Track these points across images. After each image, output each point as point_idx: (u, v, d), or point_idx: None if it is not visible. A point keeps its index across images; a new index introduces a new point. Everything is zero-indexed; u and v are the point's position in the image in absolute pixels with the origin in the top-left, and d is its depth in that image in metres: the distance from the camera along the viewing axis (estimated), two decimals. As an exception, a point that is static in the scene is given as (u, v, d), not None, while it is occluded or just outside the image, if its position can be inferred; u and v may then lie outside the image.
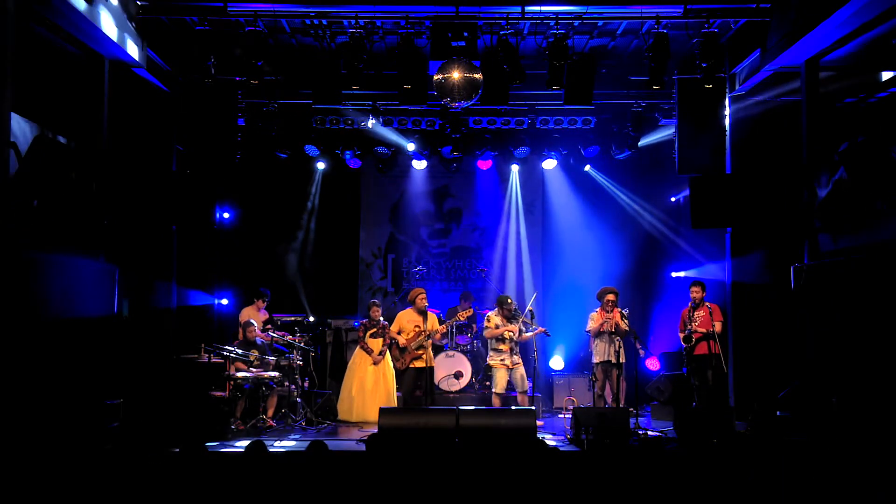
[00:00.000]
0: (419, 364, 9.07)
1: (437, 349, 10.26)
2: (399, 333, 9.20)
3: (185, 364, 8.90)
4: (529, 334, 9.10)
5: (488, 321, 9.15)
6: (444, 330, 9.64)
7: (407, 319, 9.24)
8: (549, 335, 9.38)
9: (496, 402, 8.96)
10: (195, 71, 8.27)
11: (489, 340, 9.16)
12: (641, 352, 9.47)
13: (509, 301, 9.16)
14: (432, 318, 9.26)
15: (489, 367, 9.31)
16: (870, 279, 6.97)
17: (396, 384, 9.42)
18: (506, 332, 8.96)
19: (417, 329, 9.10)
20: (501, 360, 8.97)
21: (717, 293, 9.48)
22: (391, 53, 9.20)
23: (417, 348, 9.04)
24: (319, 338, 10.74)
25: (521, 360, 9.00)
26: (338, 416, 9.38)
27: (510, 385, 9.05)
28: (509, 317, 9.07)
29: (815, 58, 8.06)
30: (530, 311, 9.12)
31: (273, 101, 10.13)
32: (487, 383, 10.84)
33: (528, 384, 8.99)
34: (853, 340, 7.58)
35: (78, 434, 7.09)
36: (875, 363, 7.16)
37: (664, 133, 10.28)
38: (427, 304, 9.24)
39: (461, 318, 9.73)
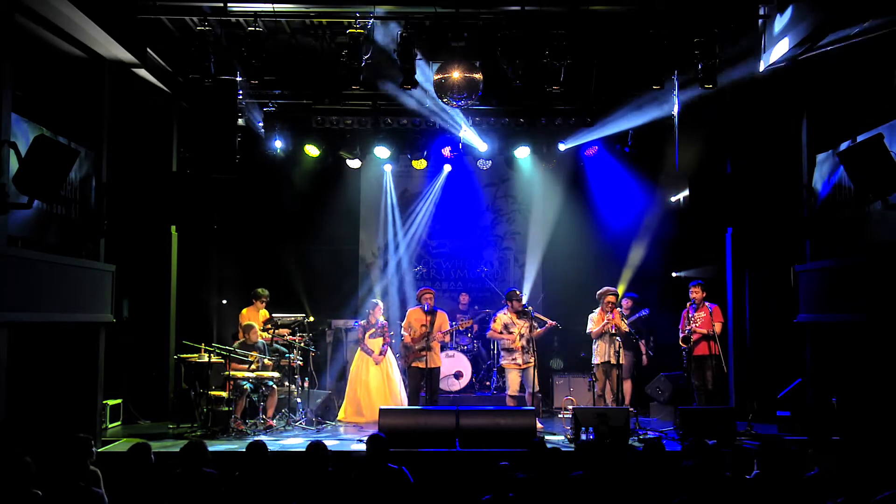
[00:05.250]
0: (421, 365, 9.05)
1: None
2: (409, 330, 9.20)
3: (185, 364, 8.90)
4: (541, 330, 9.10)
5: (496, 322, 9.14)
6: (445, 339, 9.60)
7: (415, 318, 9.24)
8: (560, 327, 9.34)
9: (510, 404, 8.92)
10: (195, 71, 8.27)
11: (499, 341, 9.13)
12: (644, 356, 9.56)
13: (518, 294, 9.17)
14: (441, 318, 9.23)
15: (502, 369, 9.29)
16: (869, 280, 6.96)
17: (404, 381, 9.45)
18: (506, 337, 8.95)
19: (424, 329, 9.09)
20: (513, 359, 8.96)
21: (717, 293, 9.48)
22: (391, 53, 9.20)
23: (421, 349, 9.03)
24: (319, 338, 10.74)
25: (533, 360, 8.98)
26: (338, 417, 9.38)
27: (522, 386, 9.03)
28: (520, 312, 9.05)
29: (815, 56, 8.06)
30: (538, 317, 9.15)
31: (273, 101, 10.14)
32: (488, 383, 10.85)
33: (537, 385, 8.98)
34: (853, 341, 7.59)
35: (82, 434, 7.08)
36: (875, 364, 7.17)
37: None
38: (433, 303, 9.22)
39: (461, 328, 9.73)
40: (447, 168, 11.91)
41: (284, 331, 9.69)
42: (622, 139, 10.67)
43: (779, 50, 7.91)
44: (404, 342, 9.20)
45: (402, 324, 9.38)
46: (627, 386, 9.23)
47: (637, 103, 9.88)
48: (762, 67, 8.33)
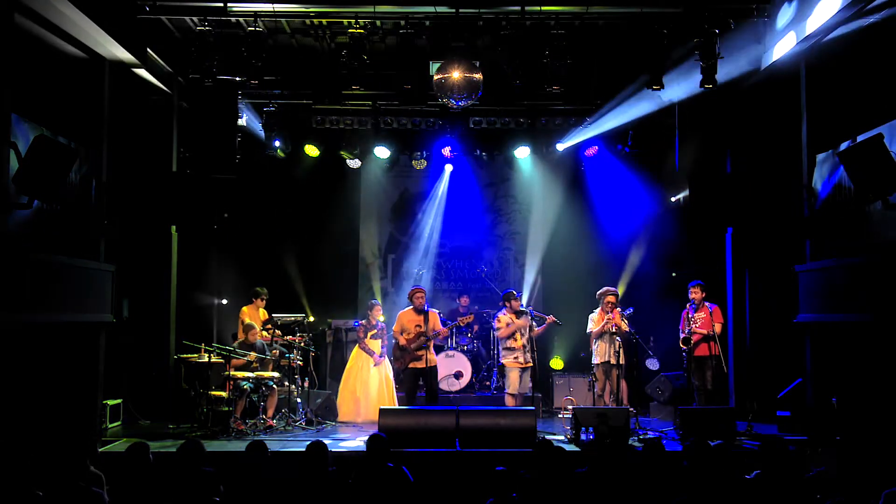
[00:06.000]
0: (419, 365, 9.00)
1: (438, 349, 10.25)
2: (401, 333, 9.14)
3: (185, 364, 8.91)
4: (539, 329, 9.11)
5: (499, 322, 9.14)
6: (447, 333, 9.58)
7: (408, 319, 9.15)
8: (560, 324, 9.33)
9: (510, 403, 8.91)
10: (195, 71, 8.27)
11: (501, 340, 9.12)
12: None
13: (515, 294, 9.19)
14: (434, 317, 9.18)
15: (503, 368, 9.29)
16: (870, 279, 6.96)
17: (396, 384, 9.43)
18: (517, 332, 8.96)
19: (419, 329, 9.05)
20: (515, 357, 8.95)
21: (717, 293, 9.48)
22: (391, 53, 9.21)
23: (418, 349, 9.00)
24: (319, 338, 10.74)
25: (532, 362, 8.99)
26: (338, 417, 9.38)
27: (522, 385, 9.03)
28: (519, 312, 9.07)
29: (815, 56, 8.06)
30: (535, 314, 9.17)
31: (273, 101, 10.14)
32: (488, 383, 10.84)
33: (530, 387, 9.01)
34: (853, 341, 7.58)
35: (77, 434, 7.09)
36: (875, 364, 7.16)
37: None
38: (424, 302, 9.17)
39: (461, 324, 9.71)
40: (448, 168, 11.92)
41: (279, 332, 9.68)
42: (622, 139, 10.67)
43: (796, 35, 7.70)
44: (399, 344, 9.12)
45: (394, 327, 9.25)
46: (623, 386, 9.22)
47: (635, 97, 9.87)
48: (773, 58, 8.22)
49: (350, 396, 9.40)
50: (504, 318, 9.12)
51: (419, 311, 9.08)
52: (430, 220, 12.33)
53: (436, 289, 12.22)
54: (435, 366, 9.19)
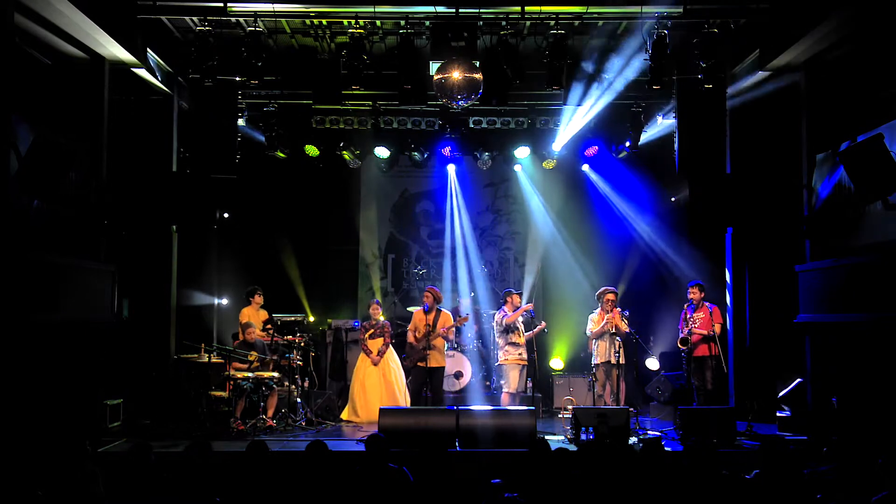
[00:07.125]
0: (425, 364, 9.01)
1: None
2: (413, 331, 9.20)
3: (186, 364, 8.90)
4: (530, 333, 9.14)
5: (500, 313, 9.18)
6: (450, 335, 9.57)
7: (418, 318, 9.24)
8: (546, 332, 9.44)
9: (507, 401, 8.91)
10: (195, 71, 8.27)
11: (503, 336, 9.10)
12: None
13: (513, 291, 9.27)
14: (444, 317, 9.22)
15: (501, 367, 9.29)
16: (869, 280, 6.96)
17: (406, 382, 9.43)
18: (520, 327, 8.97)
19: (427, 329, 9.08)
20: (519, 354, 8.98)
21: (717, 293, 9.47)
22: (391, 53, 9.21)
23: (424, 348, 9.01)
24: (319, 338, 10.74)
25: (528, 360, 9.06)
26: (338, 417, 9.38)
27: (521, 384, 9.03)
28: (518, 310, 9.11)
29: (815, 57, 8.06)
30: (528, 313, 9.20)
31: (273, 101, 10.14)
32: (488, 383, 10.84)
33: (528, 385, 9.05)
34: (853, 341, 7.58)
35: (78, 434, 7.09)
36: (875, 365, 7.17)
37: (662, 130, 10.30)
38: (432, 302, 9.17)
39: (458, 325, 9.70)
40: (450, 168, 11.91)
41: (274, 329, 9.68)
42: (622, 138, 10.65)
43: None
44: (409, 342, 9.19)
45: (409, 325, 9.35)
46: (622, 386, 9.22)
47: (638, 103, 9.88)
48: None
49: (351, 397, 9.43)
50: (507, 312, 9.17)
51: (426, 310, 9.12)
52: (430, 220, 12.31)
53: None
54: (440, 367, 9.19)
